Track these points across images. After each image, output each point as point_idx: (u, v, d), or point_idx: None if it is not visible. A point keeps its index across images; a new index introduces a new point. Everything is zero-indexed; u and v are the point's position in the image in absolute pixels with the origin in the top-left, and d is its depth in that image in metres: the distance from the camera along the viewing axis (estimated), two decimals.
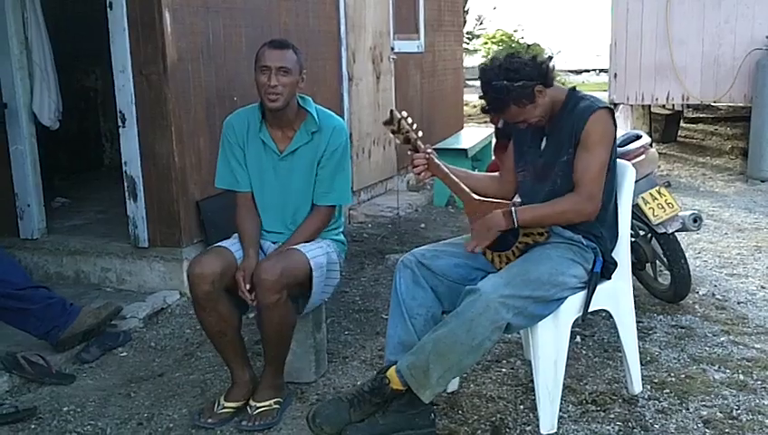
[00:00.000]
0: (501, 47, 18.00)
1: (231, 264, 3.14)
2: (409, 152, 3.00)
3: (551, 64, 2.94)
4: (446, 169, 2.99)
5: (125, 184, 4.57)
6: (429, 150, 2.97)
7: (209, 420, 3.13)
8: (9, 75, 4.68)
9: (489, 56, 3.06)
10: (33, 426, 3.16)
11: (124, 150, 4.53)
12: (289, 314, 3.13)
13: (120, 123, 4.49)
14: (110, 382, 3.58)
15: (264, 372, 3.26)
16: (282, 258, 3.10)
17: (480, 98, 2.98)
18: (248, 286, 3.08)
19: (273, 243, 3.34)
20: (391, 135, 2.97)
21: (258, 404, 3.15)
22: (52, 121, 4.93)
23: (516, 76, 2.83)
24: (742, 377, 3.44)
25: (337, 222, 3.46)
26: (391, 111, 2.94)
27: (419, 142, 2.96)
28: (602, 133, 2.89)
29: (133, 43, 4.36)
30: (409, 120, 2.95)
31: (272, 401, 3.17)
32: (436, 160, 2.97)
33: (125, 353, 3.89)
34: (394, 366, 2.89)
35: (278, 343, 3.17)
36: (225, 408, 3.17)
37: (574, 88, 3.05)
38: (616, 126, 2.97)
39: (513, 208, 2.89)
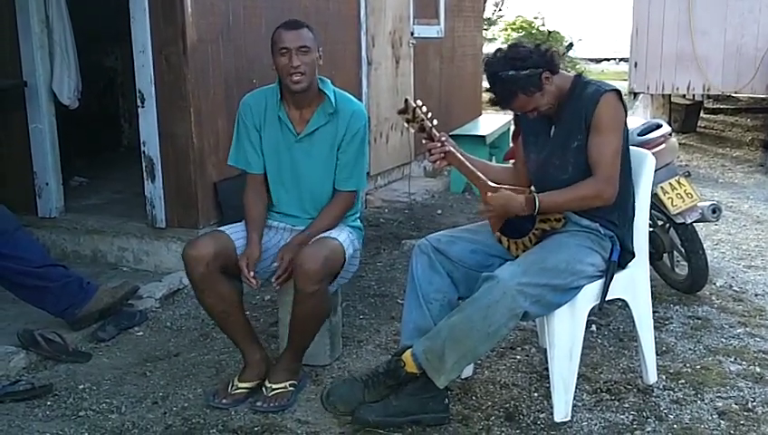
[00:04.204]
0: (520, 34, 17.85)
1: (225, 246, 3.15)
2: (424, 141, 2.98)
3: (554, 51, 2.93)
4: (462, 157, 2.97)
5: (143, 164, 4.59)
6: (444, 138, 2.95)
7: (224, 401, 3.15)
8: (30, 54, 4.69)
9: (492, 51, 3.03)
10: (48, 403, 3.19)
11: (143, 131, 4.54)
12: (324, 304, 3.13)
13: (139, 103, 4.50)
14: (126, 361, 3.60)
15: (283, 354, 3.27)
16: (323, 247, 3.08)
17: (487, 91, 2.96)
18: (252, 273, 3.11)
19: (293, 226, 3.35)
20: (406, 124, 2.96)
21: (273, 386, 3.16)
22: (72, 101, 4.93)
23: (523, 65, 2.81)
24: (758, 369, 3.42)
25: (355, 207, 3.45)
26: (406, 99, 2.92)
27: (434, 131, 2.94)
28: (613, 116, 2.87)
29: (154, 23, 4.36)
30: (424, 108, 2.92)
31: (287, 383, 3.18)
32: (452, 148, 2.95)
33: (141, 333, 3.92)
34: (409, 349, 2.90)
35: (307, 331, 3.17)
36: (239, 388, 3.18)
37: (580, 74, 3.03)
38: (625, 108, 2.95)
39: (535, 195, 2.88)
